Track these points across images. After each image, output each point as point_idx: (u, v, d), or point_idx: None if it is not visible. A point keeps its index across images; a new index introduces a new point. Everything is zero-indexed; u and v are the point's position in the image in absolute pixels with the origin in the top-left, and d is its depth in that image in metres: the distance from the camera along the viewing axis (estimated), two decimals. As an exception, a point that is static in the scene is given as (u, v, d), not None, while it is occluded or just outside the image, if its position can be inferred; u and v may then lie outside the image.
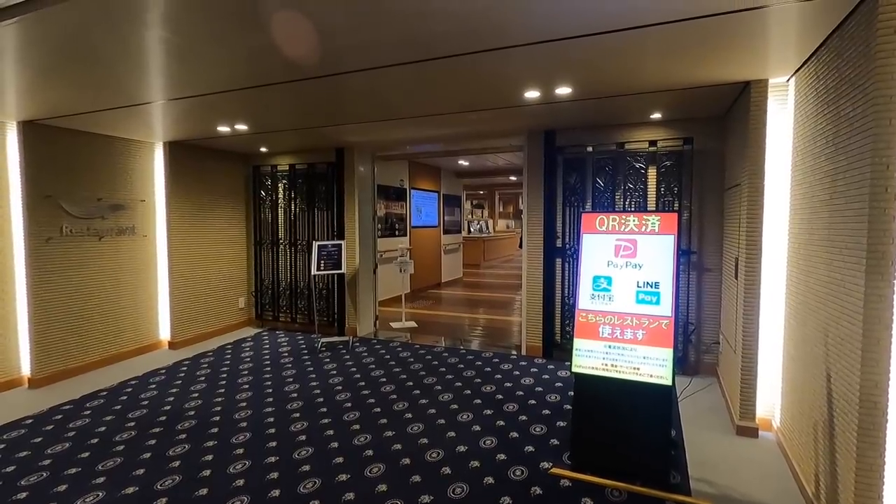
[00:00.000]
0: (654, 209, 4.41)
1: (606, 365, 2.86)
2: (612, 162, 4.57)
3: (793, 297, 2.98)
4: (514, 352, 5.24)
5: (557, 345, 4.91)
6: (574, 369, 2.93)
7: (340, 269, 5.42)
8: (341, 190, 5.89)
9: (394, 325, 6.58)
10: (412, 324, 6.64)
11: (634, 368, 2.78)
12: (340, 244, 5.54)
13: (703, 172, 4.30)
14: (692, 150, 4.26)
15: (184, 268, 5.63)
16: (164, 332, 5.61)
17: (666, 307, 2.76)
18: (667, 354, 2.71)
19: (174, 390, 4.30)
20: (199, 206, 5.83)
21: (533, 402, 3.91)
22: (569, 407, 3.77)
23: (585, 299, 2.98)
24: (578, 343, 2.94)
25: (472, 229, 16.16)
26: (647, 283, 2.85)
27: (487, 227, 17.45)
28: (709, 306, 4.37)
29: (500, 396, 4.02)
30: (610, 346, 2.87)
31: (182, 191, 5.60)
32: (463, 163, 9.43)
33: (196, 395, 4.18)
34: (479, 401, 3.93)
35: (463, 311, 7.67)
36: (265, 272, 6.40)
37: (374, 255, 6.28)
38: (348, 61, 2.85)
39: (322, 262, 5.42)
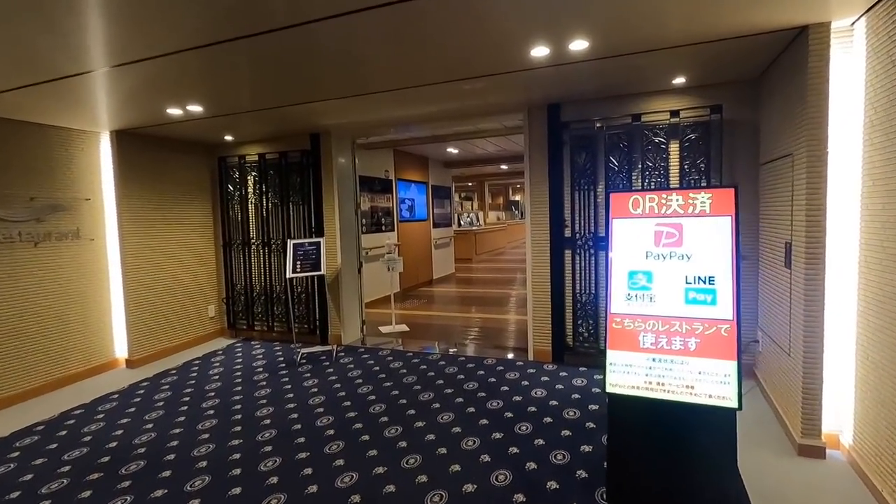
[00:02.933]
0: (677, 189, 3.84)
1: (650, 383, 2.27)
2: (628, 137, 3.98)
3: (872, 289, 2.42)
4: (519, 358, 4.65)
5: (570, 348, 4.33)
6: (609, 389, 2.34)
7: (319, 269, 4.78)
8: (318, 181, 5.23)
9: (383, 329, 5.96)
10: (403, 327, 6.03)
11: (687, 387, 2.19)
12: (319, 242, 4.89)
13: (733, 146, 3.73)
14: (721, 120, 3.69)
15: (141, 274, 4.94)
16: (121, 349, 4.92)
17: (725, 308, 2.18)
18: (730, 368, 2.13)
19: (125, 420, 3.64)
20: (157, 204, 5.13)
21: (549, 420, 3.32)
22: (592, 425, 3.19)
23: (619, 301, 2.39)
24: (613, 356, 2.35)
25: (462, 222, 15.55)
26: (699, 277, 2.26)
27: (478, 220, 16.85)
28: (743, 298, 3.82)
29: (509, 414, 3.42)
30: (654, 359, 2.29)
31: (135, 187, 4.90)
32: (452, 150, 8.81)
33: (150, 425, 3.53)
34: (485, 421, 3.34)
35: (458, 311, 7.07)
36: (237, 276, 5.73)
37: (358, 252, 5.64)
38: (316, 3, 2.20)
39: (298, 262, 4.77)
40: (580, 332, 4.28)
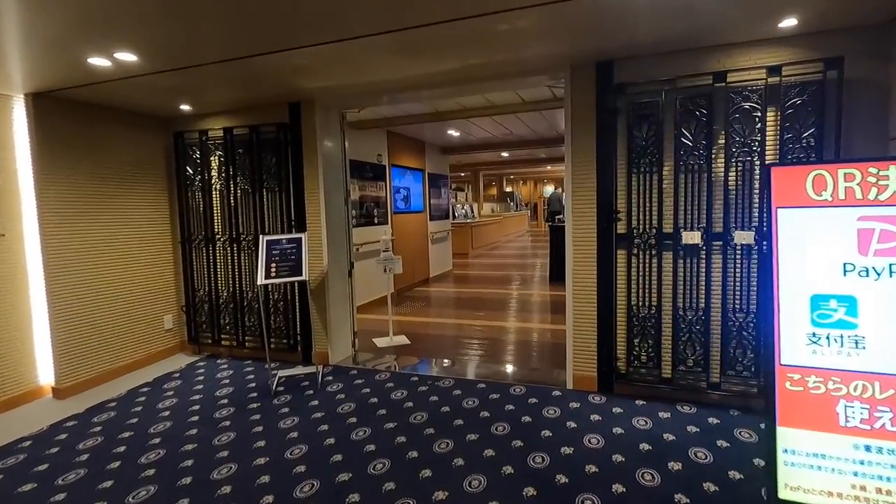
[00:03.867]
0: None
1: (865, 489, 1.35)
2: (707, 103, 3.04)
3: None
4: (554, 385, 3.71)
5: (622, 375, 3.41)
6: (785, 494, 1.41)
7: (300, 274, 3.76)
8: (299, 163, 4.21)
9: (379, 342, 4.98)
10: (403, 339, 5.05)
11: (941, 502, 1.27)
12: (300, 239, 3.87)
13: (855, 112, 2.81)
14: (840, 79, 2.76)
15: (72, 279, 3.88)
16: (46, 375, 3.87)
17: None
18: None
19: (28, 487, 2.62)
20: (94, 191, 4.06)
21: (621, 488, 2.39)
22: (686, 501, 2.27)
23: (796, 344, 1.47)
24: (790, 437, 1.42)
25: (457, 214, 14.57)
26: (953, 310, 1.33)
27: (473, 212, 15.89)
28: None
29: (562, 479, 2.48)
30: (869, 448, 1.36)
31: (63, 169, 3.83)
32: (453, 133, 7.80)
33: (61, 497, 2.51)
34: (531, 491, 2.39)
35: (463, 316, 6.11)
36: (199, 280, 4.69)
37: (348, 251, 4.63)
38: None
39: (274, 265, 3.75)
40: (636, 355, 3.35)
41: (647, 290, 3.30)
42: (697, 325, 3.17)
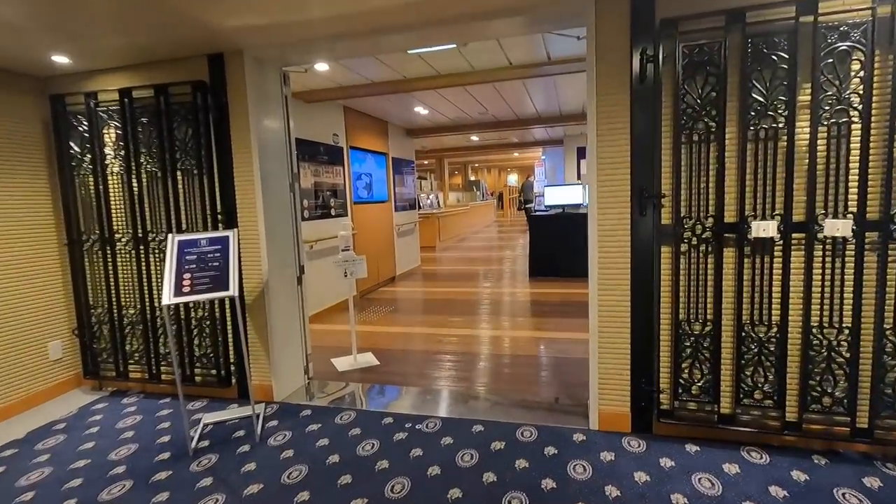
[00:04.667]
0: (879, 132, 2.14)
1: None
2: (788, 45, 2.21)
3: None
4: (574, 424, 2.86)
5: (666, 412, 2.58)
6: None
7: (226, 287, 2.72)
8: (225, 137, 3.14)
9: (339, 364, 3.99)
10: (369, 359, 4.09)
11: None
12: (226, 238, 2.83)
13: None
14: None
15: None
16: None
17: None
18: None
19: None
20: (-76, 173, 2.87)
21: None
22: None
23: None
24: None
25: (422, 204, 13.60)
26: None
27: (439, 202, 14.95)
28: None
29: None
30: None
31: None
32: (420, 111, 6.81)
33: None
34: None
35: (440, 323, 5.19)
36: (96, 294, 3.55)
37: (297, 251, 3.60)
38: None
39: (187, 276, 2.70)
40: (685, 385, 2.53)
41: (700, 299, 2.47)
42: (770, 346, 2.38)
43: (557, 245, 7.44)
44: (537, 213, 7.86)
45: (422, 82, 4.77)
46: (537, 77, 4.84)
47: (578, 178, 10.52)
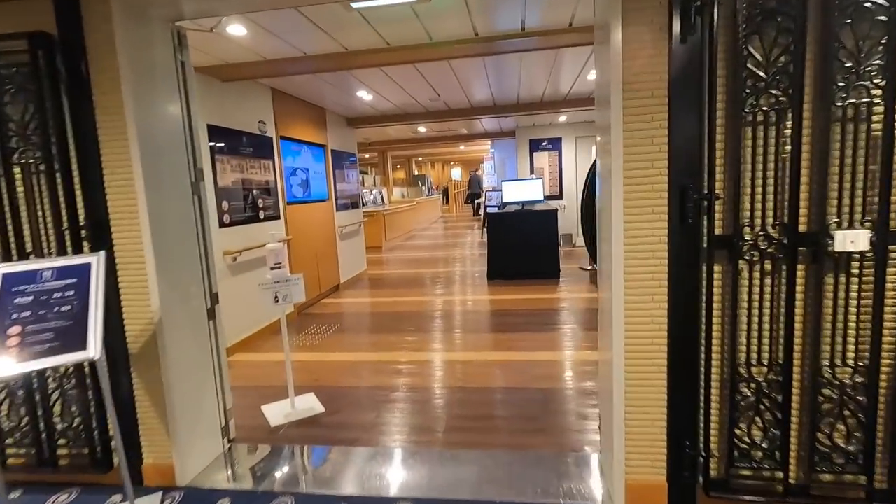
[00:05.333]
0: None
1: None
2: (890, -13, 1.62)
3: None
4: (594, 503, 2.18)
5: (717, 481, 1.95)
6: None
7: (82, 347, 1.79)
8: (89, 117, 2.17)
9: (271, 414, 3.10)
10: (311, 402, 3.23)
11: None
12: (86, 268, 1.89)
13: None
14: None
15: None
16: None
17: None
18: None
19: None
20: None
21: None
22: None
23: None
24: None
25: (365, 201, 12.63)
26: None
27: (383, 198, 14.02)
28: None
29: None
30: None
31: None
32: (363, 96, 5.92)
33: None
34: None
35: (394, 345, 4.39)
36: None
37: (206, 273, 2.65)
38: None
39: (17, 331, 1.74)
40: (743, 446, 1.91)
41: (764, 333, 1.85)
42: (856, 394, 1.80)
43: (517, 245, 6.84)
44: (494, 212, 7.21)
45: (367, 57, 3.92)
46: (504, 53, 4.13)
47: (531, 172, 10.01)
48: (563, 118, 8.97)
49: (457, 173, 30.11)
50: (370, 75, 4.97)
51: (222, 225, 4.24)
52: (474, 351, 4.11)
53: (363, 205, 12.23)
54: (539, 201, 7.05)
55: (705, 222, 1.82)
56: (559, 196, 9.93)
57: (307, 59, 3.97)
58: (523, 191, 7.04)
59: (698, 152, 1.80)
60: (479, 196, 16.80)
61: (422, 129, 9.74)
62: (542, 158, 10.01)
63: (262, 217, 4.88)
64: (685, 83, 1.79)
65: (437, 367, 3.83)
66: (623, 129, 1.87)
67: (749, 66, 1.72)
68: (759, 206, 1.79)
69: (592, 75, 5.46)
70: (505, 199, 7.09)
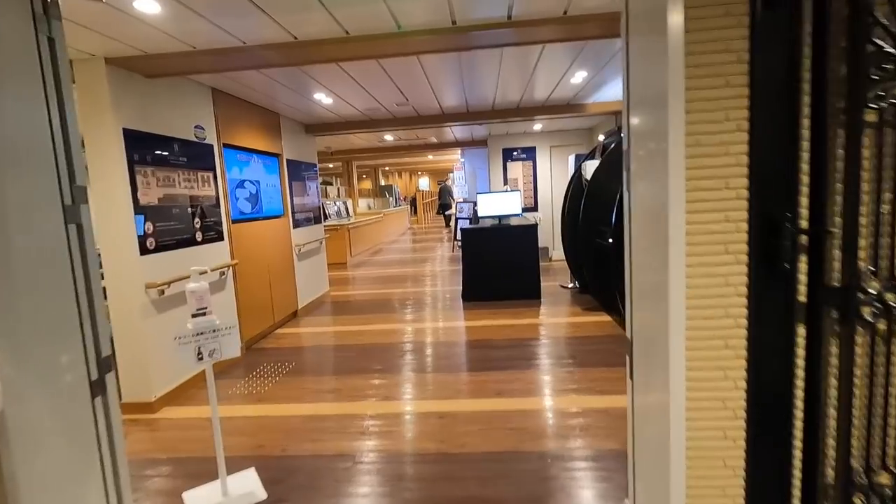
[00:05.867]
0: None
1: None
2: None
3: None
4: None
5: None
6: None
7: None
8: None
9: (196, 508, 2.37)
10: (250, 485, 2.50)
11: None
12: None
13: None
14: None
15: None
16: None
17: None
18: None
19: None
20: None
21: None
22: None
23: None
24: None
25: (328, 214, 11.86)
26: None
27: (347, 210, 13.26)
28: None
29: None
30: None
31: None
32: (322, 99, 5.24)
33: None
34: None
35: (360, 393, 3.70)
36: None
37: (93, 335, 1.91)
38: None
39: None
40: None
41: (892, 426, 1.30)
42: None
43: (494, 263, 6.28)
44: (469, 227, 6.63)
45: (323, 49, 3.26)
46: (483, 48, 3.57)
47: (505, 182, 9.52)
48: (538, 126, 8.51)
49: (424, 183, 29.57)
50: (329, 74, 4.31)
51: (145, 251, 3.47)
52: (454, 399, 3.47)
53: (326, 218, 11.48)
54: (517, 215, 6.52)
55: (805, 267, 1.26)
56: (534, 208, 9.46)
57: (249, 50, 3.28)
58: (500, 204, 6.49)
59: (794, 166, 1.25)
60: (449, 207, 16.27)
61: (388, 137, 9.11)
62: (516, 168, 9.53)
63: (199, 239, 4.12)
64: (774, 66, 1.24)
65: (411, 422, 3.17)
66: (685, 133, 1.30)
67: (875, 39, 1.17)
68: (886, 245, 1.24)
69: (577, 78, 4.98)
70: (480, 213, 6.52)
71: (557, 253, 8.97)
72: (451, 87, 5.13)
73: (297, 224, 6.29)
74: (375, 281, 8.45)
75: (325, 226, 9.58)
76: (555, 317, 5.44)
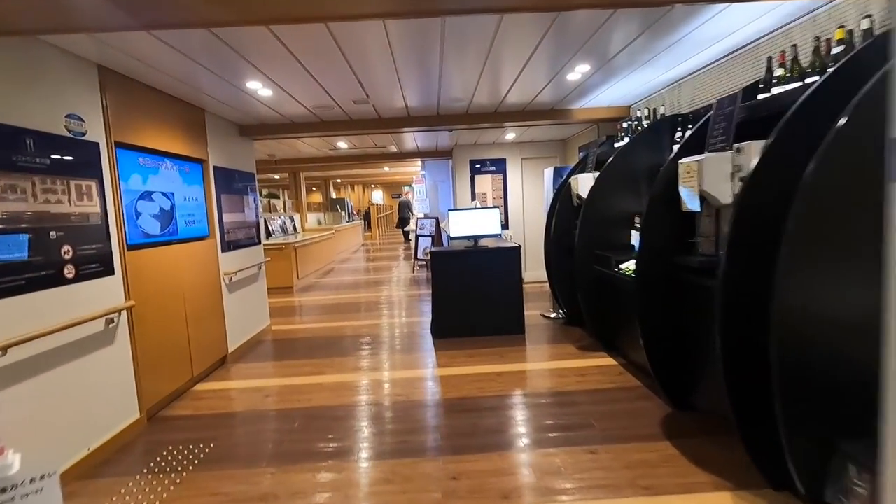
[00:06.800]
0: None
1: None
2: None
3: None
4: None
5: None
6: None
7: None
8: None
9: None
10: None
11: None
12: None
13: None
14: None
15: None
16: None
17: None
18: None
19: None
20: None
21: None
22: None
23: None
24: None
25: (272, 230, 10.51)
26: None
27: (294, 226, 11.93)
28: None
29: None
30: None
31: None
32: (259, 90, 4.12)
33: None
34: None
35: (307, 495, 2.58)
36: None
37: None
38: None
39: None
40: None
41: None
42: None
43: (469, 291, 5.30)
44: (440, 250, 5.64)
45: (250, 7, 2.18)
46: (471, 25, 2.62)
47: (473, 197, 8.62)
48: (510, 135, 7.69)
49: (378, 196, 28.38)
50: (266, 52, 3.23)
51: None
52: (425, 489, 2.42)
53: (269, 235, 10.13)
54: (495, 235, 5.59)
55: None
56: (504, 226, 8.60)
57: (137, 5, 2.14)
58: (475, 222, 5.54)
59: None
60: (408, 222, 15.23)
61: (342, 144, 7.99)
62: (485, 182, 8.66)
63: (70, 276, 2.87)
64: None
65: (383, 559, 2.09)
66: None
67: None
68: None
69: (575, 74, 4.14)
70: (453, 233, 5.54)
71: (529, 274, 8.13)
72: (424, 81, 4.16)
73: (227, 247, 5.06)
74: (326, 310, 7.25)
75: (267, 244, 8.29)
76: (547, 359, 4.51)
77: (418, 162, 11.82)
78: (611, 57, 3.73)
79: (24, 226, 2.59)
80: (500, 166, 8.59)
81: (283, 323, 6.49)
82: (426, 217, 10.66)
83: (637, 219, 4.36)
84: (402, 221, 16.73)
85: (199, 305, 4.42)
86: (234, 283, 5.14)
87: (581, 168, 5.28)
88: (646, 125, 4.58)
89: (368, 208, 23.01)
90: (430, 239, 10.28)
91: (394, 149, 9.01)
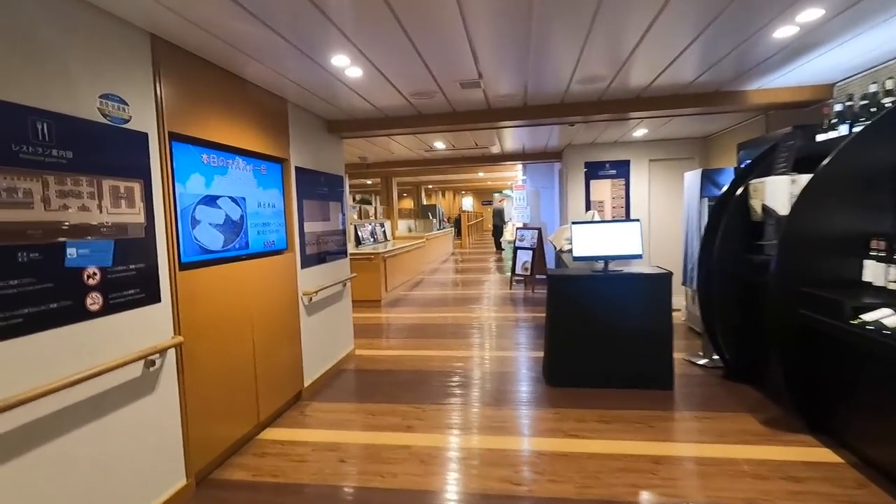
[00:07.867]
0: None
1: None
2: None
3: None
4: None
5: None
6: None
7: None
8: None
9: None
10: None
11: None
12: None
13: None
14: None
15: None
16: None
17: None
18: None
19: None
20: None
21: None
22: None
23: None
24: None
25: (361, 237, 9.97)
26: None
27: (385, 233, 11.35)
28: None
29: None
30: None
31: None
32: (351, 71, 3.29)
33: None
34: None
35: None
36: None
37: None
38: None
39: None
40: None
41: None
42: None
43: (599, 328, 4.09)
44: (558, 272, 4.49)
45: None
46: None
47: (588, 207, 7.33)
48: (640, 132, 6.32)
49: (468, 203, 27.64)
50: (358, 7, 2.33)
51: None
52: None
53: (359, 243, 9.58)
54: (636, 256, 4.31)
55: None
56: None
57: None
58: (608, 239, 4.31)
59: None
60: (502, 231, 14.19)
61: (439, 144, 7.11)
62: (603, 188, 7.33)
63: (94, 308, 2.15)
64: None
65: None
66: None
67: None
68: None
69: (789, 29, 2.82)
70: (577, 252, 4.35)
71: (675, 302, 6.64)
72: (561, 48, 3.05)
73: (307, 262, 4.31)
74: (413, 331, 6.37)
75: (356, 253, 7.63)
76: (721, 439, 3.18)
77: (517, 166, 10.71)
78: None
79: (39, 241, 1.87)
80: (622, 169, 7.21)
81: (368, 346, 5.69)
82: (526, 227, 9.50)
83: (877, 243, 2.93)
84: (497, 230, 15.73)
85: (271, 333, 3.67)
86: (314, 303, 4.38)
87: (765, 170, 3.85)
88: (867, 107, 3.09)
89: (459, 215, 22.27)
90: (530, 252, 9.11)
91: (496, 150, 7.98)
